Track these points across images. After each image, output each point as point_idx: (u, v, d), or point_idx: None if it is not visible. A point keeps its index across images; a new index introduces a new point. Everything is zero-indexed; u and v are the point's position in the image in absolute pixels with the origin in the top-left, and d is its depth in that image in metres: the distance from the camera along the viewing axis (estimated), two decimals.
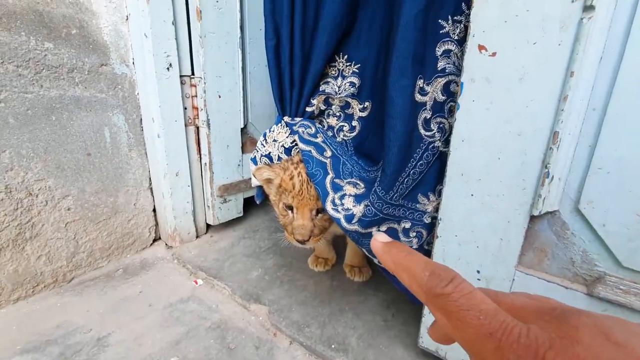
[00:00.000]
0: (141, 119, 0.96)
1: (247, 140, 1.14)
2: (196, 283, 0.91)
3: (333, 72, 0.74)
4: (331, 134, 0.76)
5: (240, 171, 1.12)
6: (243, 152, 1.12)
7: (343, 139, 0.76)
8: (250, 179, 1.14)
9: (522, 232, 0.48)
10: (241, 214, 1.18)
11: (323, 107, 0.76)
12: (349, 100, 0.74)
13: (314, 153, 0.65)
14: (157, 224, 1.07)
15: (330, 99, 0.75)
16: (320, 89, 0.73)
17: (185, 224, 1.05)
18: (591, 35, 0.39)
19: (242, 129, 1.09)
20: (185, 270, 0.97)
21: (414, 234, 0.60)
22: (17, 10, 0.73)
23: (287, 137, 0.73)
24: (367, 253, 0.69)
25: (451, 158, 0.52)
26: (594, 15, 0.38)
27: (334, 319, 0.77)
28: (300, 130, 0.69)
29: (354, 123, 0.75)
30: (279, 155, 0.74)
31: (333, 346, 0.69)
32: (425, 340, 0.63)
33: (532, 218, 0.47)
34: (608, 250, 0.44)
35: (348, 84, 0.72)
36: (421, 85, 0.54)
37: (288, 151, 0.73)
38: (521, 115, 0.45)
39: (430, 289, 0.18)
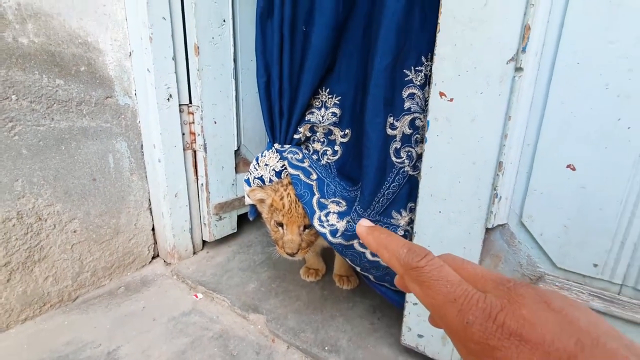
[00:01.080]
0: (142, 145, 1.03)
1: (240, 161, 1.22)
2: (196, 297, 0.98)
3: (317, 103, 0.84)
4: (316, 158, 0.86)
5: (234, 190, 1.20)
6: (237, 172, 1.20)
7: (327, 162, 0.86)
8: (243, 197, 1.22)
9: (480, 242, 0.59)
10: (235, 230, 1.26)
11: (309, 134, 0.86)
12: (332, 128, 0.84)
13: (302, 177, 0.75)
14: (155, 242, 1.14)
15: (315, 127, 0.85)
16: (306, 119, 0.83)
17: (183, 242, 1.12)
18: (522, 89, 0.51)
19: (235, 151, 1.18)
20: (184, 285, 1.03)
21: None
22: (32, 51, 0.80)
23: (277, 161, 0.82)
24: (350, 263, 0.78)
25: (422, 182, 0.63)
26: (522, 74, 0.50)
27: (326, 324, 0.86)
28: (289, 156, 0.79)
29: (336, 148, 0.85)
30: (270, 178, 0.83)
31: (326, 348, 0.78)
32: (407, 338, 0.73)
33: (487, 230, 0.58)
34: (546, 255, 0.55)
35: (330, 114, 0.82)
36: (391, 122, 0.65)
37: (278, 174, 0.83)
38: (474, 148, 0.56)
39: (407, 263, 0.21)
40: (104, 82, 0.93)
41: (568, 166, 0.51)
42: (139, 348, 0.81)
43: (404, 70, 0.63)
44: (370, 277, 0.77)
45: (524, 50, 0.49)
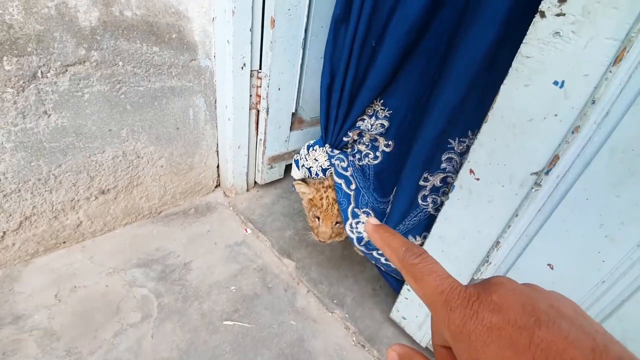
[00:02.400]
0: (216, 100, 1.19)
1: (295, 120, 1.35)
2: (246, 231, 1.26)
3: (369, 112, 0.92)
4: (358, 157, 0.98)
5: (286, 145, 1.37)
6: (291, 130, 1.35)
7: (367, 163, 0.98)
8: (293, 151, 1.39)
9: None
10: (282, 176, 1.47)
11: (356, 138, 0.96)
12: (377, 137, 0.94)
13: (344, 186, 0.90)
14: (218, 176, 1.39)
15: (363, 133, 0.95)
16: (357, 125, 0.93)
17: (240, 182, 1.36)
18: (535, 199, 0.60)
19: (292, 113, 1.30)
20: (238, 218, 1.31)
21: None
22: (134, 23, 0.91)
23: (325, 160, 0.96)
24: (369, 259, 0.98)
25: (436, 225, 0.77)
26: (540, 189, 0.59)
27: (339, 282, 1.12)
28: (336, 163, 0.92)
29: (378, 154, 0.96)
30: (317, 172, 0.99)
31: (335, 301, 1.05)
32: (394, 315, 0.97)
33: (472, 279, 0.74)
34: None
35: (379, 125, 0.91)
36: (425, 176, 0.75)
37: (324, 171, 0.97)
38: (483, 222, 0.68)
39: (404, 259, 0.23)
40: (190, 47, 1.04)
41: (549, 264, 0.63)
42: (205, 264, 1.12)
43: (449, 139, 0.70)
44: (382, 267, 0.98)
45: (547, 173, 0.57)
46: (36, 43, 0.78)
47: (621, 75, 0.48)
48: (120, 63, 0.93)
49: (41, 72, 0.82)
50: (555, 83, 0.53)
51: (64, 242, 1.06)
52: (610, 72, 0.48)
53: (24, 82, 0.80)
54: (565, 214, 0.59)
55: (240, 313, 1.00)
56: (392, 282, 1.00)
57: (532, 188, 0.59)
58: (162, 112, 1.08)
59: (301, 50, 1.16)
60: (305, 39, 1.15)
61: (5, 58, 0.76)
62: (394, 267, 0.98)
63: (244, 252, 1.18)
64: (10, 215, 0.92)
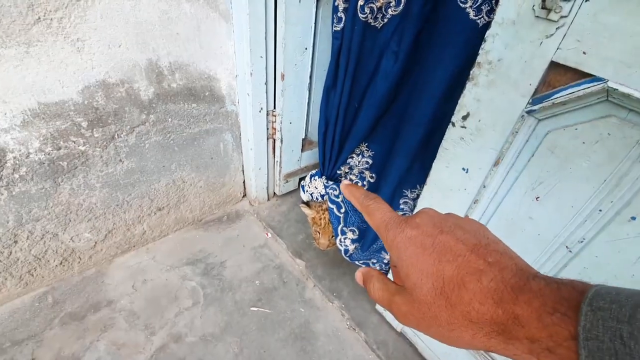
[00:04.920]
0: (240, 134, 1.48)
1: (306, 143, 1.63)
2: (267, 235, 1.59)
3: (357, 151, 1.18)
4: None
5: (299, 164, 1.65)
6: (302, 151, 1.62)
7: None
8: (305, 167, 1.68)
9: None
10: (296, 187, 1.77)
11: (347, 171, 1.23)
12: (364, 170, 1.20)
13: (335, 210, 1.18)
14: (244, 188, 1.71)
15: (352, 167, 1.21)
16: (347, 162, 1.19)
17: (262, 194, 1.67)
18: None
19: (303, 139, 1.57)
20: (261, 224, 1.64)
21: (377, 266, 1.17)
22: (178, 90, 1.21)
23: (322, 189, 1.24)
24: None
25: None
26: (476, 207, 0.85)
27: (338, 279, 1.43)
28: (329, 192, 1.20)
29: (365, 183, 1.22)
30: (317, 197, 1.27)
31: (334, 294, 1.37)
32: (378, 306, 1.27)
33: None
34: None
35: (365, 162, 1.17)
36: None
37: (322, 197, 1.26)
38: None
39: (362, 202, 0.32)
40: (219, 99, 1.33)
41: None
42: (236, 263, 1.47)
43: (403, 190, 0.96)
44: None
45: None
46: (113, 116, 1.10)
47: (500, 172, 0.72)
48: (169, 119, 1.24)
49: (117, 134, 1.14)
50: (464, 169, 0.78)
51: (134, 246, 1.44)
52: (492, 170, 0.72)
53: (106, 143, 1.13)
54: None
55: (262, 301, 1.34)
56: None
57: (469, 209, 0.85)
58: (200, 148, 1.39)
59: (307, 92, 1.41)
60: (310, 83, 1.40)
61: (94, 129, 1.09)
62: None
63: (266, 253, 1.51)
64: (99, 230, 1.29)
